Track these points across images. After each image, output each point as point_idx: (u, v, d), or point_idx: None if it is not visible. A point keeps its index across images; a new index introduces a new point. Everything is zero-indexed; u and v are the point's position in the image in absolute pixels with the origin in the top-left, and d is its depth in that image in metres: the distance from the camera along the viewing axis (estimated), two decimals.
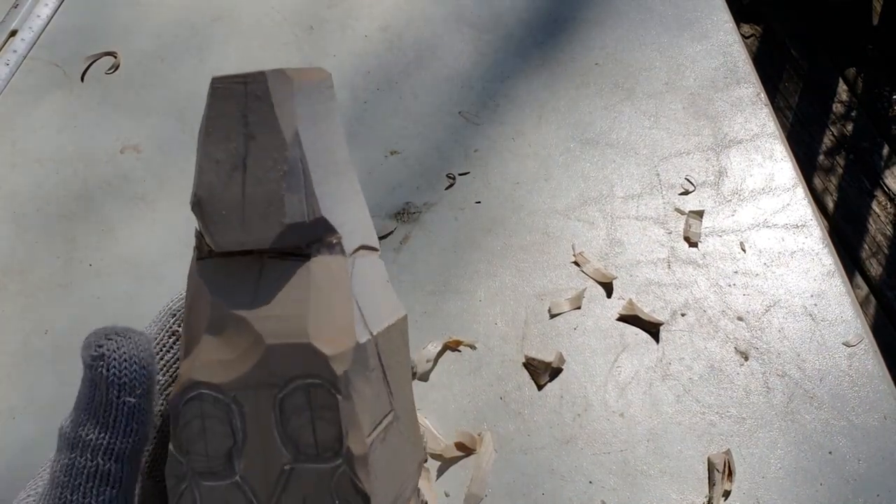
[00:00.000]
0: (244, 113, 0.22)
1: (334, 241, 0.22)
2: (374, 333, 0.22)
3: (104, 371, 0.19)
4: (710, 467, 0.45)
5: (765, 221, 0.54)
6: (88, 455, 0.19)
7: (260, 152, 0.22)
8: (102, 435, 0.19)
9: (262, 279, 0.22)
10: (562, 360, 0.48)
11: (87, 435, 0.19)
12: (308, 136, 0.22)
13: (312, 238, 0.22)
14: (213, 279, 0.22)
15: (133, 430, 0.20)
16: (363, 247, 0.23)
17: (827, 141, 1.40)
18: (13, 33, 0.62)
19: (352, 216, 0.24)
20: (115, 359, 0.19)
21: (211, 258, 0.22)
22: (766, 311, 0.50)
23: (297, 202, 0.21)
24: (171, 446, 0.21)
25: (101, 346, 0.20)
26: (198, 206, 0.22)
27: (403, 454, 0.22)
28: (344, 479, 0.20)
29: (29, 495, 0.22)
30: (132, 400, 0.20)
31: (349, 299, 0.22)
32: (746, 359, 0.48)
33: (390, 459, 0.22)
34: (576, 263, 0.52)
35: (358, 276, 0.23)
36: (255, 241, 0.21)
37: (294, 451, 0.20)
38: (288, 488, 0.20)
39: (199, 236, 0.22)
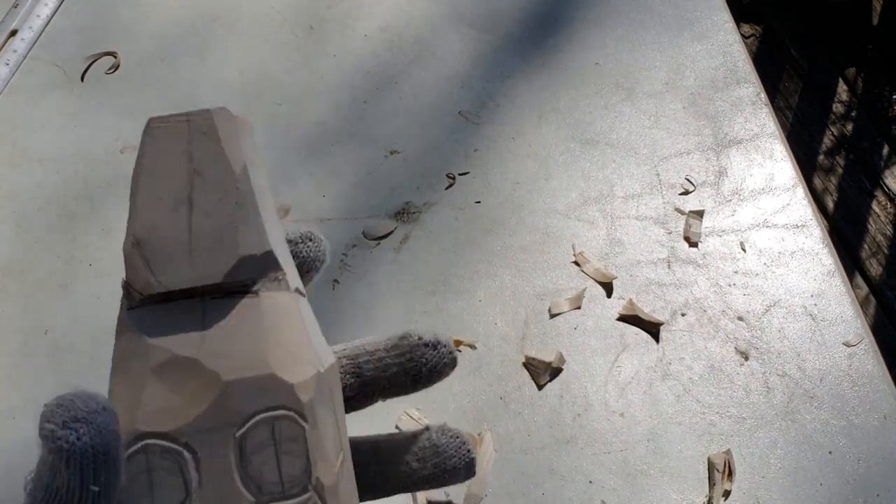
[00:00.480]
0: (188, 150, 0.22)
1: (280, 276, 0.22)
2: (325, 367, 0.21)
3: (64, 467, 0.18)
4: (711, 467, 0.45)
5: (765, 221, 0.54)
6: None
7: (207, 187, 0.21)
8: None
9: (206, 319, 0.21)
10: (562, 359, 0.48)
11: None
12: (254, 173, 0.22)
13: (258, 274, 0.21)
14: (150, 326, 0.21)
15: None
16: (297, 290, 0.23)
17: (827, 141, 1.40)
18: (13, 33, 0.62)
19: (285, 260, 0.23)
20: (75, 453, 0.18)
21: (144, 306, 0.21)
22: (767, 310, 0.50)
23: (250, 234, 0.21)
24: None
25: (59, 439, 0.18)
26: (137, 245, 0.21)
27: (353, 495, 0.21)
28: None
29: None
30: (96, 489, 0.18)
31: (303, 331, 0.21)
32: (746, 359, 0.48)
33: (350, 496, 0.21)
34: (576, 263, 0.52)
35: (304, 313, 0.22)
36: (205, 276, 0.20)
37: (257, 492, 0.19)
38: None
39: (127, 285, 0.21)
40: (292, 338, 0.21)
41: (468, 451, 0.22)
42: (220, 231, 0.21)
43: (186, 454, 0.19)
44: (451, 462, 0.22)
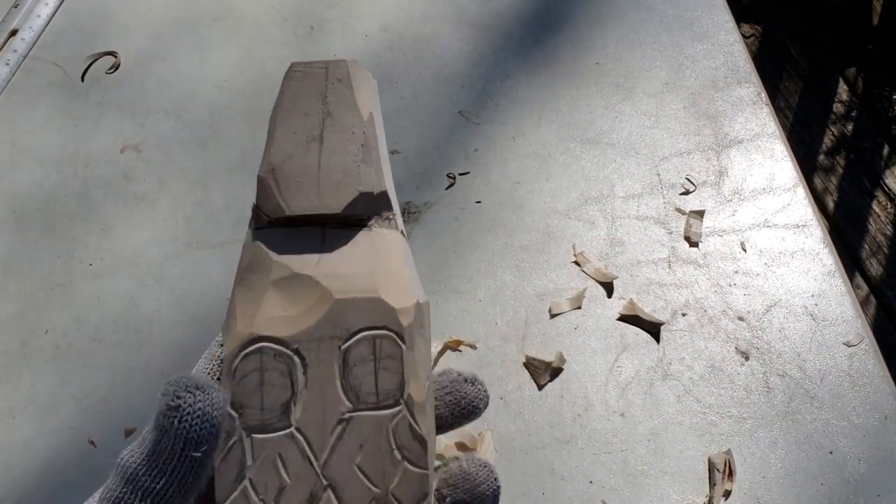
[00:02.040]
0: (324, 93, 0.24)
1: (391, 216, 0.24)
2: (423, 300, 0.23)
3: (176, 422, 0.20)
4: (711, 467, 0.45)
5: (765, 221, 0.54)
6: (139, 495, 0.20)
7: (337, 128, 0.24)
8: (158, 481, 0.20)
9: (325, 244, 0.23)
10: (562, 359, 0.48)
11: (143, 476, 0.20)
12: (375, 121, 0.25)
13: (373, 211, 0.24)
14: (274, 245, 0.23)
15: (188, 482, 0.20)
16: (402, 232, 0.25)
17: (827, 141, 1.40)
18: (13, 33, 0.62)
19: (395, 203, 0.25)
20: (189, 413, 0.20)
21: (270, 228, 0.23)
22: (767, 310, 0.50)
23: (370, 174, 0.23)
24: None
25: (179, 398, 0.20)
26: (271, 172, 0.23)
27: (433, 419, 0.23)
28: (403, 425, 0.21)
29: None
30: (197, 454, 0.20)
31: (406, 266, 0.23)
32: (747, 359, 0.48)
33: (432, 418, 0.23)
34: (576, 263, 0.52)
35: (406, 252, 0.24)
36: (328, 206, 0.23)
37: (354, 400, 0.21)
38: (345, 436, 0.21)
39: (256, 208, 0.24)
40: (398, 269, 0.23)
41: (495, 479, 0.23)
42: (346, 168, 0.23)
43: (296, 359, 0.21)
44: (479, 489, 0.23)
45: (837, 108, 1.44)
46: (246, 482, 0.20)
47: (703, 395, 0.47)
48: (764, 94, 0.60)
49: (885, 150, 1.39)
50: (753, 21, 1.57)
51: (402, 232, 0.25)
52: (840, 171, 1.37)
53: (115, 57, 0.61)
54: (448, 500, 0.23)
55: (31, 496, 0.44)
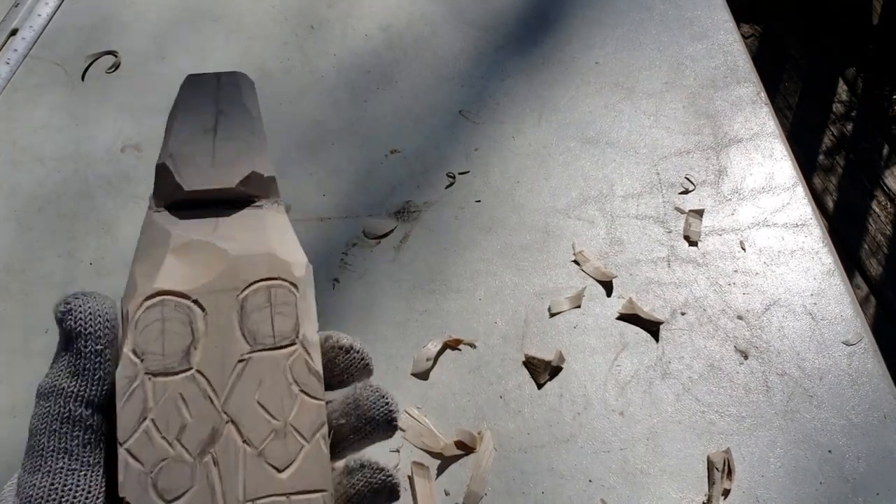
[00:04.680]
0: (216, 96, 0.27)
1: (280, 202, 0.26)
2: (311, 267, 0.25)
3: (72, 323, 0.21)
4: (710, 466, 0.45)
5: (765, 220, 0.54)
6: (61, 402, 0.21)
7: (229, 122, 0.26)
8: (72, 382, 0.21)
9: (219, 219, 0.25)
10: (562, 358, 0.48)
11: (59, 384, 0.21)
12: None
13: (263, 194, 0.26)
14: (173, 222, 0.25)
15: (100, 377, 0.21)
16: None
17: (827, 141, 1.40)
18: (14, 32, 0.62)
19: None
20: (81, 312, 0.21)
21: (169, 211, 0.25)
22: (766, 309, 0.50)
23: (261, 159, 0.26)
24: (124, 350, 0.22)
25: (69, 303, 0.22)
26: (170, 158, 0.25)
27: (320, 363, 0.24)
28: (299, 361, 0.23)
29: (12, 482, 0.22)
30: (99, 347, 0.21)
31: (294, 238, 0.25)
32: (746, 358, 0.49)
33: (320, 361, 0.24)
34: (576, 262, 0.52)
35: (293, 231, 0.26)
36: (223, 182, 0.25)
37: (252, 342, 0.23)
38: (244, 375, 0.22)
39: (155, 194, 0.26)
40: (289, 237, 0.25)
41: (386, 403, 0.24)
42: (239, 151, 0.25)
43: (196, 308, 0.23)
44: (370, 414, 0.23)
45: (837, 108, 1.44)
46: (148, 422, 0.21)
47: (703, 394, 0.47)
48: (763, 94, 0.60)
49: (885, 150, 1.39)
50: (753, 21, 1.57)
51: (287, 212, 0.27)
52: (840, 170, 1.37)
53: (116, 56, 0.61)
54: (343, 430, 0.23)
55: None
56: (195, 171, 0.25)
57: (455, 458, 0.45)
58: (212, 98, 0.27)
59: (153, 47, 0.62)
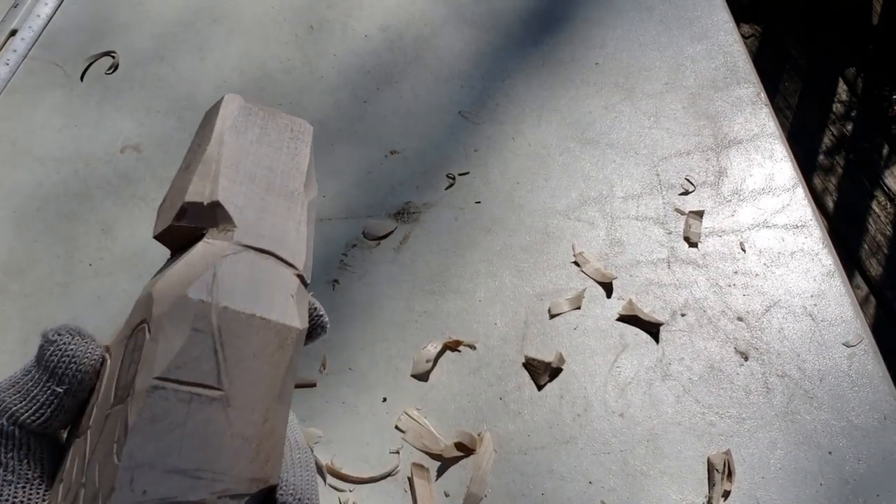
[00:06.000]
0: (209, 127, 0.26)
1: (228, 229, 0.24)
2: (222, 306, 0.22)
3: (48, 354, 0.22)
4: (710, 467, 0.45)
5: (765, 221, 0.54)
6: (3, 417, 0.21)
7: (199, 153, 0.25)
8: (19, 403, 0.21)
9: (173, 258, 0.24)
10: (562, 360, 0.48)
11: (5, 393, 0.22)
12: (241, 144, 0.25)
13: (208, 223, 0.24)
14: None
15: (43, 413, 0.21)
16: (277, 256, 0.24)
17: (827, 141, 1.40)
18: (13, 33, 0.62)
19: (276, 231, 0.25)
20: (61, 349, 0.22)
21: (171, 255, 0.25)
22: (766, 311, 0.50)
23: (201, 186, 0.24)
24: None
25: (59, 336, 0.22)
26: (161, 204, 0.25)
27: (218, 438, 0.21)
28: (122, 416, 0.20)
29: None
30: (59, 390, 0.22)
31: (205, 268, 0.22)
32: (746, 359, 0.48)
33: (191, 430, 0.21)
34: (576, 263, 0.52)
35: (240, 264, 0.23)
36: (164, 222, 0.24)
37: (116, 395, 0.21)
38: (103, 433, 0.21)
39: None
40: (189, 272, 0.23)
41: (315, 308, 0.24)
42: (183, 185, 0.24)
43: (106, 355, 0.23)
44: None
45: (837, 108, 1.44)
46: (59, 485, 0.21)
47: (703, 396, 0.47)
48: (763, 95, 0.60)
49: (885, 150, 1.39)
50: (753, 21, 1.57)
51: (243, 245, 0.24)
52: (840, 171, 1.37)
53: (115, 57, 0.61)
54: None
55: None
56: (159, 215, 0.25)
57: (455, 460, 0.45)
58: (208, 130, 0.26)
59: (153, 48, 0.62)
